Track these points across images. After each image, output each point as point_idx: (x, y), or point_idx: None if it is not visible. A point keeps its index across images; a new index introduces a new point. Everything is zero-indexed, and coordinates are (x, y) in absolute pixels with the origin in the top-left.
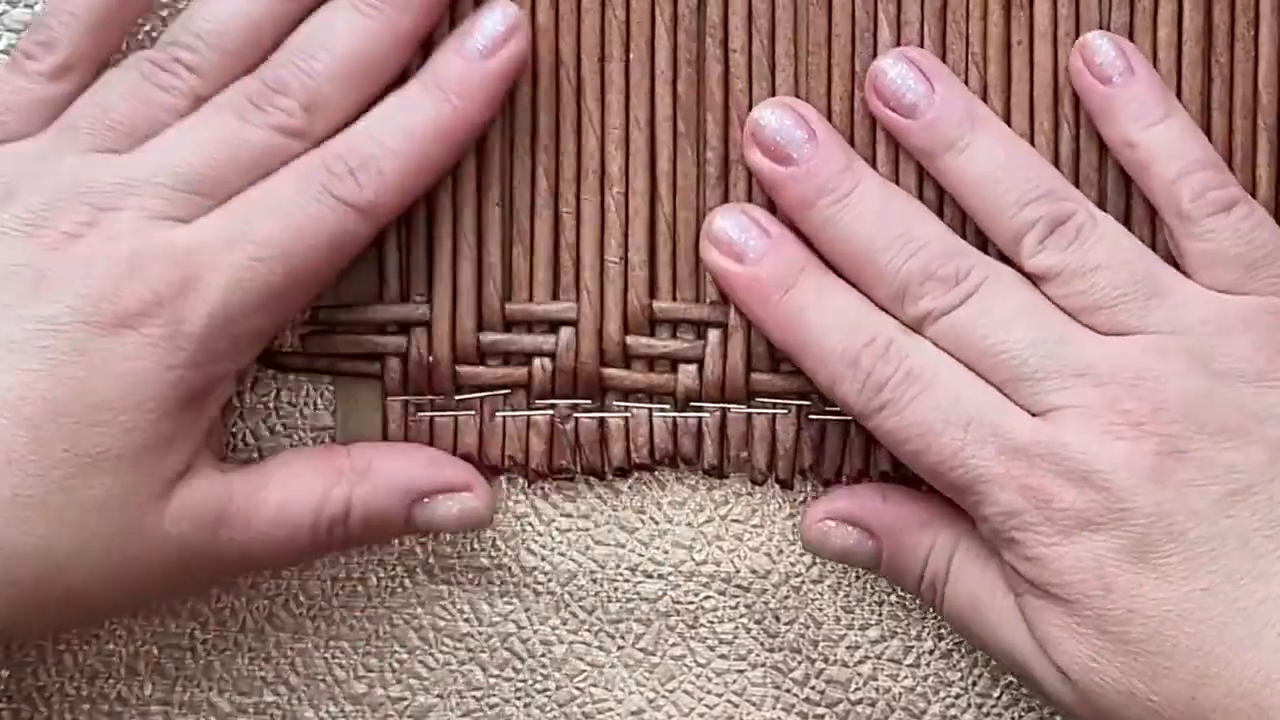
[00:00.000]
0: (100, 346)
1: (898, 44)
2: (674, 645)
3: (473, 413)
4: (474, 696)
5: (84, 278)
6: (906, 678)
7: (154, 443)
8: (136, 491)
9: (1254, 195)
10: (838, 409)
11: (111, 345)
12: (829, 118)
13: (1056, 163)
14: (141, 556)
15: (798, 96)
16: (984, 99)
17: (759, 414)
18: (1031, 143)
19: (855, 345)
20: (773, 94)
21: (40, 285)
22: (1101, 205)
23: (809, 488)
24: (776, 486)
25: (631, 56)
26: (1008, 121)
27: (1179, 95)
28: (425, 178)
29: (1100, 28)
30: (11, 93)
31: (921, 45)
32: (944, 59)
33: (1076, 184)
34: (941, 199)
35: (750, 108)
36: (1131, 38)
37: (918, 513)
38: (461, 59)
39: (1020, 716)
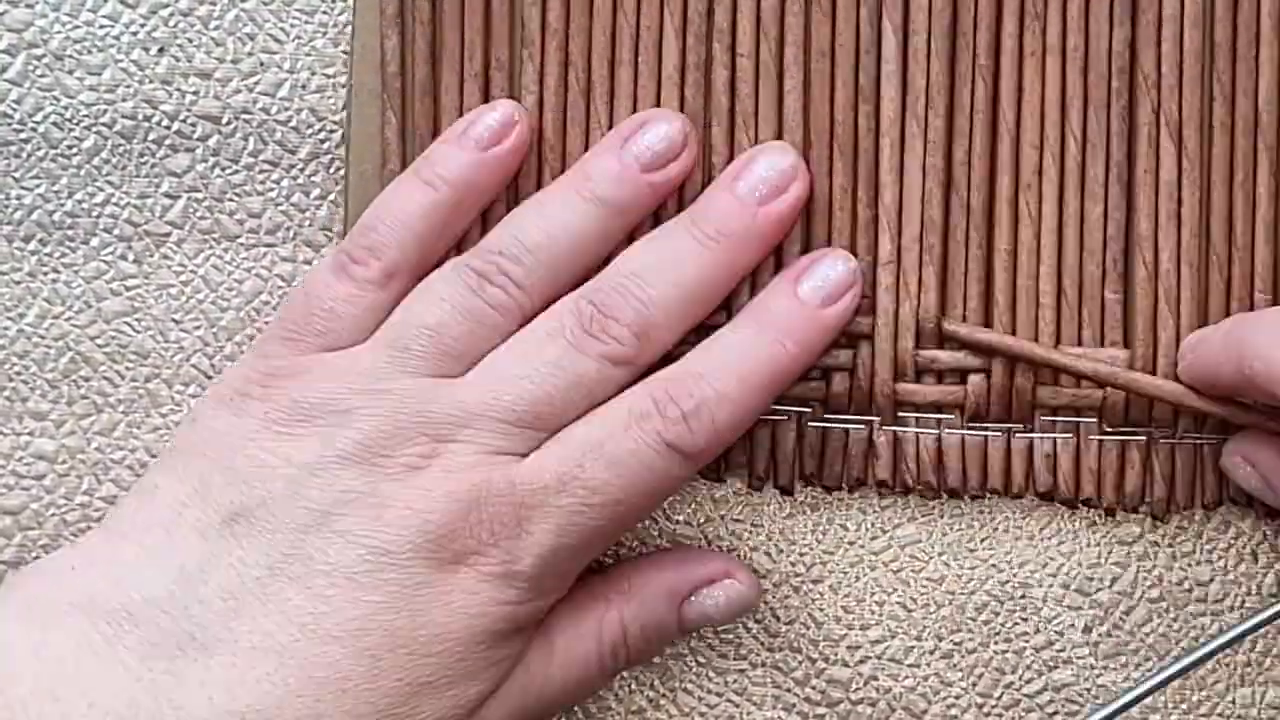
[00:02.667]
0: (438, 581)
1: (904, 53)
2: (675, 644)
3: None
4: None
5: (426, 512)
6: (907, 678)
7: (480, 669)
8: (461, 709)
9: (1254, 215)
10: (837, 417)
11: (449, 581)
12: (831, 126)
13: (1061, 176)
14: None
15: (805, 102)
16: (992, 111)
17: (761, 419)
18: (1040, 158)
19: None
20: (779, 101)
21: (382, 515)
22: (1105, 219)
23: (809, 492)
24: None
25: (640, 60)
26: (1016, 135)
27: (1179, 112)
28: (752, 421)
29: (1105, 45)
30: (340, 300)
31: (927, 56)
32: (950, 70)
33: (1082, 198)
34: (948, 204)
35: (756, 112)
36: (1134, 53)
37: None
38: (798, 303)
39: (1021, 717)
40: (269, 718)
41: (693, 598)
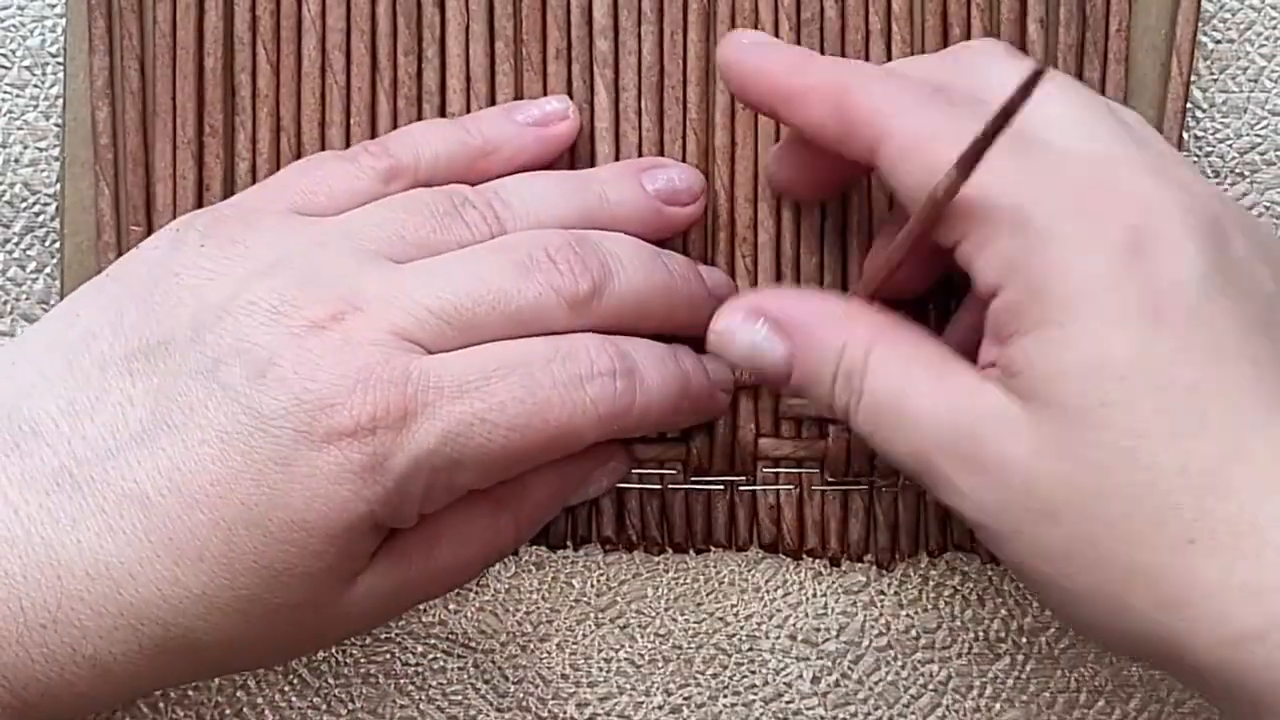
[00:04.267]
0: (303, 459)
1: (615, 109)
2: (404, 707)
3: None
4: None
5: (309, 379)
6: None
7: (338, 563)
8: (320, 599)
9: None
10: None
11: (314, 461)
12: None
13: (778, 228)
14: (318, 637)
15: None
16: (706, 165)
17: None
18: (754, 211)
19: None
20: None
21: (267, 373)
22: (821, 269)
23: (534, 550)
24: None
25: (352, 121)
26: (730, 189)
27: None
28: (687, 401)
29: None
30: (335, 176)
31: (638, 113)
32: (660, 125)
33: (798, 249)
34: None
35: None
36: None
37: (833, 308)
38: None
39: None
40: (131, 573)
41: (577, 493)
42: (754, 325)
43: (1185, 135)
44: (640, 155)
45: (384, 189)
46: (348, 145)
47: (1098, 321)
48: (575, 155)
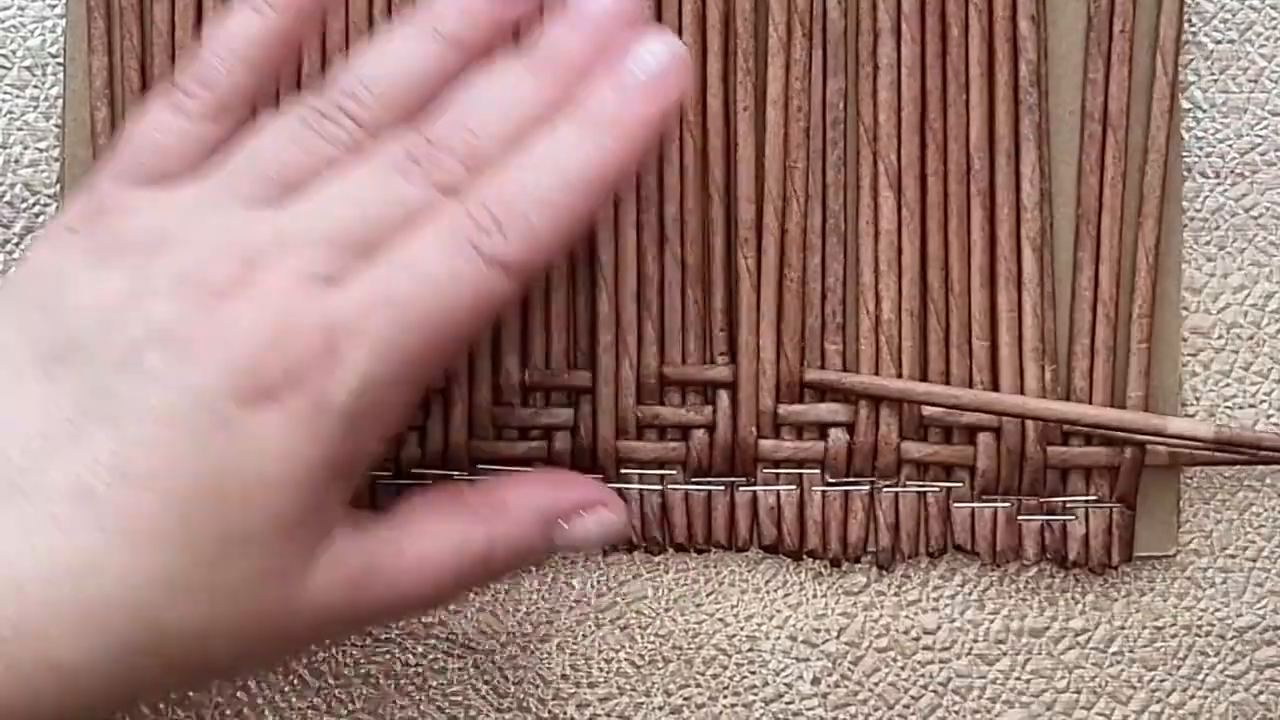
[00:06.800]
0: (245, 422)
1: None
2: (404, 708)
3: None
4: None
5: (233, 345)
6: None
7: (298, 521)
8: (282, 569)
9: (969, 257)
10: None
11: (255, 420)
12: None
13: (783, 229)
14: (286, 627)
15: None
16: (703, 166)
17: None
18: (754, 212)
19: None
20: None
21: (189, 350)
22: (823, 270)
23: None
24: None
25: None
26: (725, 190)
27: (898, 160)
28: (578, 228)
29: (820, 97)
30: (171, 136)
31: None
32: None
33: (804, 250)
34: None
35: None
36: (855, 104)
37: None
38: (616, 97)
39: None
40: (91, 568)
41: (566, 524)
42: None
43: (1185, 135)
44: None
45: (220, 130)
46: None
47: None
48: None
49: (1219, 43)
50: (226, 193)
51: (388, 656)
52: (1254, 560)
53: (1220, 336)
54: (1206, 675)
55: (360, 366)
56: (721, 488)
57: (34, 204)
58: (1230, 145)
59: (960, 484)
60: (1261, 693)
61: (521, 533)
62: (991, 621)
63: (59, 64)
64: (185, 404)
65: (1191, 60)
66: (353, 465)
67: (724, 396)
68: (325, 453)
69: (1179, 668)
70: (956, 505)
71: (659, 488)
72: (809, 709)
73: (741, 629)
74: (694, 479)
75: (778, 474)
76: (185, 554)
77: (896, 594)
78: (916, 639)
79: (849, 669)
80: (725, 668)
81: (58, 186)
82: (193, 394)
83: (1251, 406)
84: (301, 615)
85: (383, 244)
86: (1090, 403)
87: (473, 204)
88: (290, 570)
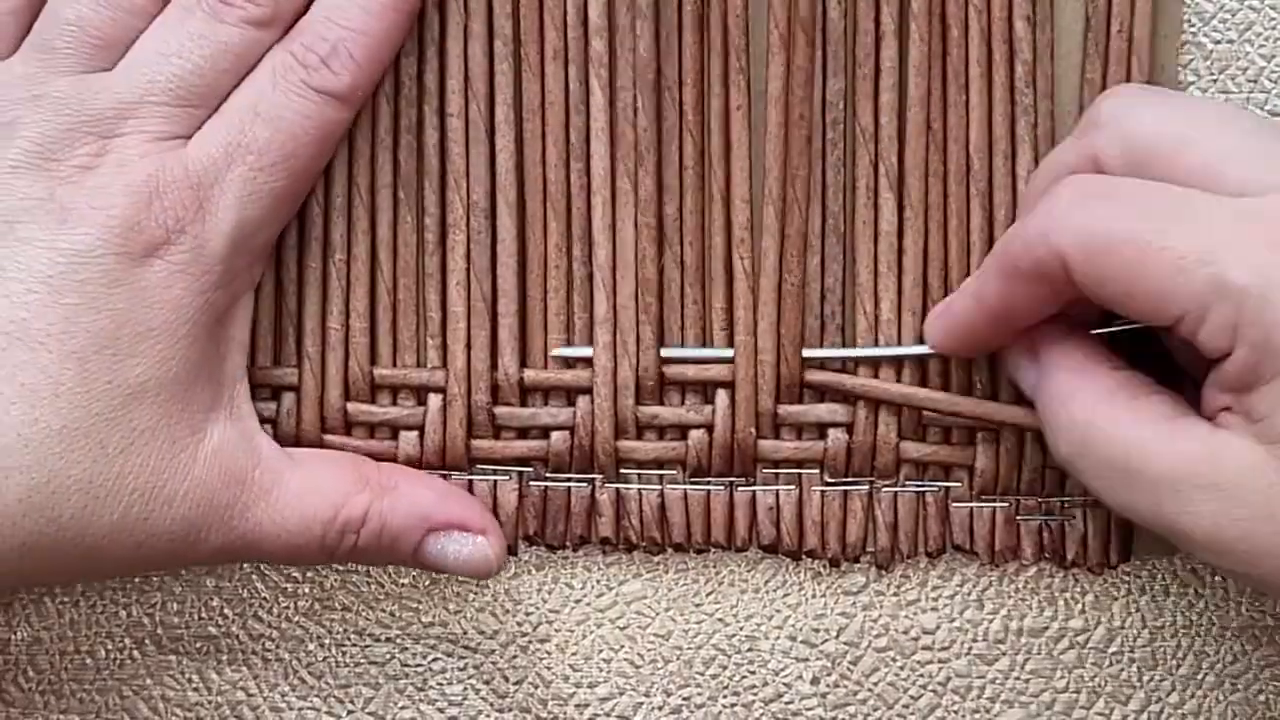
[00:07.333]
0: (133, 277)
1: (610, 110)
2: (404, 708)
3: None
4: None
5: (108, 209)
6: None
7: (188, 371)
8: (175, 422)
9: (968, 259)
10: (559, 475)
11: (143, 274)
12: (544, 184)
13: (783, 229)
14: (167, 504)
15: (518, 161)
16: (701, 166)
17: (480, 480)
18: (751, 213)
19: None
20: (491, 160)
21: (66, 218)
22: (822, 271)
23: (533, 551)
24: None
25: (353, 126)
26: (725, 190)
27: (899, 161)
28: (391, 50)
29: (819, 97)
30: None
31: (634, 112)
32: (658, 126)
33: (805, 251)
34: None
35: (468, 173)
36: (854, 104)
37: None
38: None
39: None
40: None
41: (442, 533)
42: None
43: None
44: (636, 155)
45: (28, 1)
46: (349, 150)
47: None
48: (571, 155)
49: (1218, 43)
50: (53, 64)
51: (388, 656)
52: None
53: None
54: (1205, 675)
55: (231, 213)
56: (721, 488)
57: None
58: None
59: (959, 484)
60: (1261, 692)
61: (399, 521)
62: (990, 621)
63: None
64: (73, 265)
65: (1191, 60)
66: (229, 312)
67: (723, 396)
68: (206, 300)
69: (1178, 668)
70: (955, 505)
71: (658, 488)
72: (808, 709)
73: (741, 629)
74: (693, 479)
75: (777, 474)
76: (81, 405)
77: (895, 594)
78: (915, 639)
79: (848, 669)
80: (725, 667)
81: None
82: (79, 256)
83: None
84: (185, 498)
85: (221, 92)
86: None
87: (295, 46)
88: (178, 437)
